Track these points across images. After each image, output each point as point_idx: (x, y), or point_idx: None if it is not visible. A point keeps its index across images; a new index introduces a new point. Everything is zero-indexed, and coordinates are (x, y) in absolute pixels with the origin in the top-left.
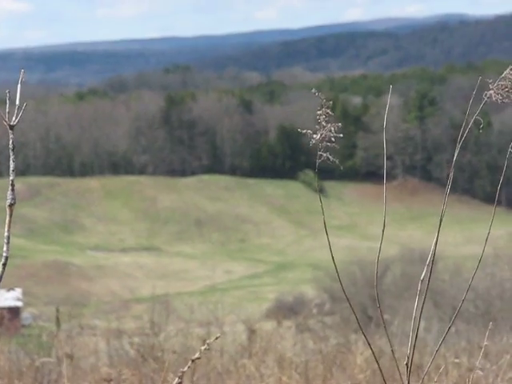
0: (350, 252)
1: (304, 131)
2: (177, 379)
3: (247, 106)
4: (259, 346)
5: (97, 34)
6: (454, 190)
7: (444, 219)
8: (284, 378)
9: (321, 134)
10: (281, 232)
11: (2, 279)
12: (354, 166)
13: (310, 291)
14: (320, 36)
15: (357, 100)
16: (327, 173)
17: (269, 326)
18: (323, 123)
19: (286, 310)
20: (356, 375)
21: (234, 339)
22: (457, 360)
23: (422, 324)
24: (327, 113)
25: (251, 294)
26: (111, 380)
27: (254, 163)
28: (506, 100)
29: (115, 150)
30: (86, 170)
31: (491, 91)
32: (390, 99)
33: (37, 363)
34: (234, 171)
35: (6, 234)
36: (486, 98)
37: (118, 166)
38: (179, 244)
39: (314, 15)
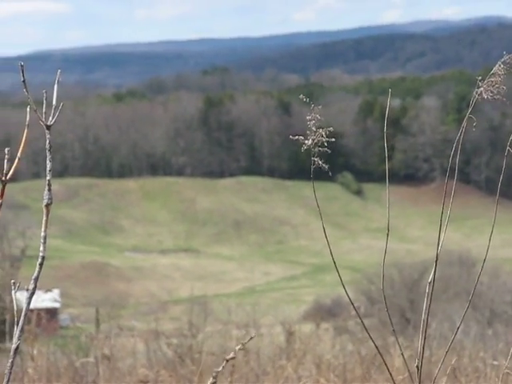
0: (388, 254)
1: (296, 137)
2: (211, 379)
3: (285, 108)
4: (297, 348)
5: (135, 35)
6: (492, 192)
7: (480, 222)
8: (322, 380)
9: (312, 140)
10: (318, 234)
11: (40, 280)
12: (393, 169)
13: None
14: (358, 38)
15: (395, 102)
16: (366, 175)
17: (307, 328)
18: (313, 128)
19: (324, 312)
20: (394, 377)
21: (272, 341)
22: (495, 362)
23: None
24: (317, 117)
25: (289, 296)
26: (148, 381)
27: (292, 165)
28: (497, 96)
29: (153, 151)
30: (124, 172)
31: (481, 88)
32: (429, 101)
33: (75, 364)
34: (272, 173)
35: (42, 233)
36: (476, 96)
37: (157, 167)
38: (217, 246)
39: (352, 17)
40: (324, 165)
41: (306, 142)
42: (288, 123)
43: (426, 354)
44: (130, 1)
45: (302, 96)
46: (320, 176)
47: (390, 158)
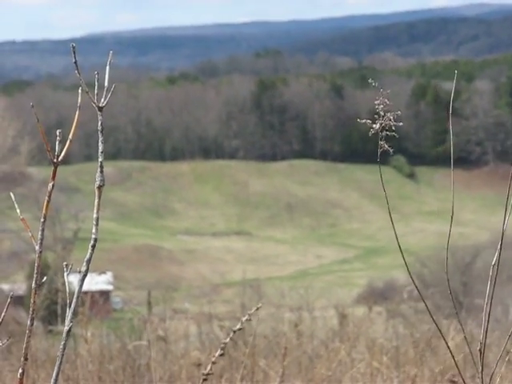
0: (440, 238)
1: (363, 121)
2: (219, 350)
3: (338, 91)
4: (350, 331)
5: (188, 18)
6: None
7: None
8: (375, 363)
9: (380, 124)
10: (371, 217)
11: (92, 262)
12: (445, 152)
13: (400, 277)
14: (411, 21)
15: (448, 86)
16: (418, 158)
17: (360, 311)
18: (381, 113)
19: (377, 295)
20: (448, 360)
21: (325, 324)
22: None
23: None
24: (385, 102)
25: (341, 279)
26: (201, 364)
27: (345, 148)
28: None
29: (206, 134)
30: (176, 155)
31: None
32: (482, 84)
33: (128, 347)
34: (324, 156)
35: (94, 215)
36: None
37: (209, 150)
38: (270, 229)
39: (404, 0)
40: (390, 148)
41: (374, 125)
42: (340, 106)
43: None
44: None
45: (371, 80)
46: (372, 160)
47: (443, 141)
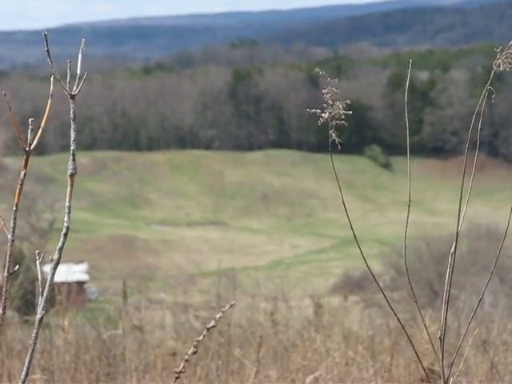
0: (416, 227)
1: (312, 110)
2: (192, 348)
3: (314, 81)
4: (326, 321)
5: (163, 8)
6: None
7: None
8: (350, 353)
9: (329, 113)
10: (347, 207)
11: (68, 252)
12: (421, 142)
13: (376, 266)
14: (387, 11)
15: (424, 75)
16: (393, 148)
17: (335, 300)
18: (329, 101)
19: (353, 285)
20: (422, 349)
21: (301, 314)
22: None
23: (488, 299)
24: (333, 91)
25: (317, 269)
26: (176, 354)
27: (321, 138)
28: None
29: (181, 124)
30: (152, 145)
31: (499, 60)
32: (457, 74)
33: (103, 336)
34: (300, 146)
35: (66, 204)
36: (495, 68)
37: (185, 140)
38: (245, 219)
39: None
40: (338, 139)
41: (323, 115)
42: (316, 97)
43: (455, 326)
44: None
45: (317, 69)
46: (348, 149)
47: (418, 131)
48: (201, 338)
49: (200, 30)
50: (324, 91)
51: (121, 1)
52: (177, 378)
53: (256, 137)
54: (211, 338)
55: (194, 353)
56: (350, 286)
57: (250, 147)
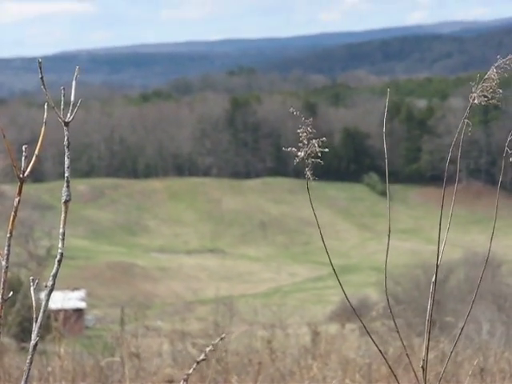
0: (414, 255)
1: (288, 149)
2: (182, 381)
3: (312, 109)
4: (323, 348)
5: (161, 35)
6: None
7: (505, 223)
8: (347, 381)
9: (305, 152)
10: (345, 235)
11: (66, 279)
12: (419, 170)
13: (373, 294)
14: (385, 39)
15: (422, 103)
16: (392, 176)
17: (333, 328)
18: (305, 141)
19: (350, 312)
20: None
21: (298, 341)
22: None
23: (486, 327)
24: (308, 131)
25: (315, 297)
26: (173, 381)
27: (318, 166)
28: (492, 101)
29: (179, 151)
30: (150, 172)
31: (474, 94)
32: (456, 102)
33: (101, 363)
34: (297, 174)
35: (61, 230)
36: (471, 101)
37: (183, 167)
38: (243, 246)
39: (378, 18)
40: (313, 177)
41: (299, 154)
42: (314, 124)
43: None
44: (156, 1)
45: (292, 109)
46: (346, 177)
47: (416, 159)
48: (191, 371)
49: (198, 58)
50: (298, 131)
51: (119, 28)
52: None
53: (254, 164)
54: (209, 366)
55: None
56: (347, 313)
57: (247, 175)
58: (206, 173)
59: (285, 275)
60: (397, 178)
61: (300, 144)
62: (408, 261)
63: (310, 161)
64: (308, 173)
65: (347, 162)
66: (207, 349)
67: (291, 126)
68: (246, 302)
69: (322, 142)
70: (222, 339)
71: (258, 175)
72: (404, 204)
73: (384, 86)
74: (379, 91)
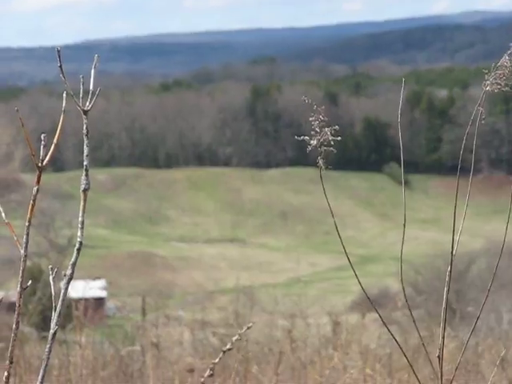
0: (434, 245)
1: (301, 137)
2: (208, 371)
3: (333, 99)
4: (344, 338)
5: (183, 25)
6: None
7: None
8: (368, 370)
9: (318, 140)
10: (365, 225)
11: (86, 268)
12: (440, 160)
13: (394, 284)
14: (406, 28)
15: (443, 93)
16: (412, 166)
17: (353, 318)
18: (317, 129)
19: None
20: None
21: (319, 331)
22: None
23: (506, 317)
24: (320, 118)
25: (335, 287)
26: (194, 370)
27: (339, 156)
28: (505, 88)
29: (200, 141)
30: (170, 162)
31: (487, 81)
32: (477, 92)
33: (121, 353)
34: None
35: (80, 219)
36: (484, 89)
37: (203, 157)
38: (263, 236)
39: (400, 7)
40: (326, 166)
41: (312, 142)
42: (335, 114)
43: (472, 343)
44: None
45: (304, 97)
46: (367, 167)
47: (437, 148)
48: (217, 360)
49: (219, 47)
50: (311, 119)
51: (140, 18)
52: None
53: (274, 154)
54: (229, 355)
55: (211, 375)
56: (368, 303)
57: (268, 164)
58: (226, 162)
59: (305, 265)
60: (417, 167)
61: (313, 132)
62: (429, 251)
63: (322, 149)
64: (320, 161)
65: (368, 152)
66: (234, 338)
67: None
68: (266, 292)
69: (334, 130)
70: (248, 328)
71: (278, 165)
72: (424, 194)
73: (405, 76)
74: (400, 81)
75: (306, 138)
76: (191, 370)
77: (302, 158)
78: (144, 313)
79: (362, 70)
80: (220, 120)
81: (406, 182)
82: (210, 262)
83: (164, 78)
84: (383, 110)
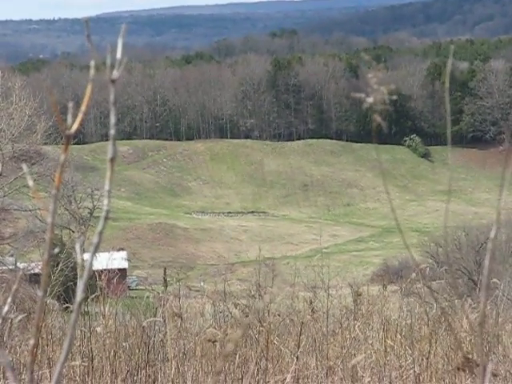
0: (455, 217)
1: (357, 95)
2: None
3: (353, 71)
4: (365, 309)
5: None
6: None
7: None
8: (389, 341)
9: (374, 97)
10: (386, 196)
11: (108, 240)
12: (460, 132)
13: (415, 256)
14: (427, 1)
15: (463, 65)
16: (433, 138)
17: (374, 289)
18: (375, 86)
19: (392, 274)
20: (461, 338)
21: (340, 302)
22: None
23: None
24: (378, 76)
25: (357, 258)
26: (216, 341)
27: (360, 128)
28: None
29: (221, 113)
30: (192, 134)
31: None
32: (497, 64)
33: (143, 324)
34: (339, 136)
35: (106, 187)
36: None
37: (224, 129)
38: (285, 208)
39: None
40: (383, 122)
41: (368, 99)
42: (356, 86)
43: (493, 314)
44: None
45: (366, 56)
46: (387, 139)
47: (457, 120)
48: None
49: (240, 20)
50: (369, 75)
51: None
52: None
53: (296, 126)
54: (251, 326)
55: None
56: (389, 274)
57: (289, 137)
58: (247, 135)
59: (326, 237)
60: (438, 139)
61: (369, 89)
62: (449, 222)
63: (378, 107)
64: (378, 118)
65: (389, 124)
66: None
67: (333, 88)
68: (287, 263)
69: (391, 89)
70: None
71: (299, 137)
72: (445, 165)
73: (426, 48)
74: (421, 53)
75: (362, 95)
76: (213, 341)
77: (323, 130)
78: (165, 284)
79: (383, 42)
80: (241, 92)
81: (427, 154)
82: (231, 234)
83: (185, 50)
84: (404, 82)
